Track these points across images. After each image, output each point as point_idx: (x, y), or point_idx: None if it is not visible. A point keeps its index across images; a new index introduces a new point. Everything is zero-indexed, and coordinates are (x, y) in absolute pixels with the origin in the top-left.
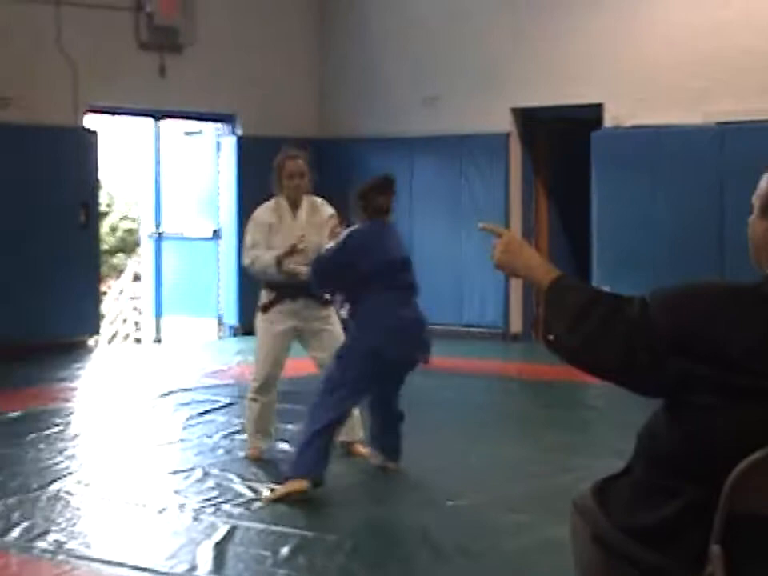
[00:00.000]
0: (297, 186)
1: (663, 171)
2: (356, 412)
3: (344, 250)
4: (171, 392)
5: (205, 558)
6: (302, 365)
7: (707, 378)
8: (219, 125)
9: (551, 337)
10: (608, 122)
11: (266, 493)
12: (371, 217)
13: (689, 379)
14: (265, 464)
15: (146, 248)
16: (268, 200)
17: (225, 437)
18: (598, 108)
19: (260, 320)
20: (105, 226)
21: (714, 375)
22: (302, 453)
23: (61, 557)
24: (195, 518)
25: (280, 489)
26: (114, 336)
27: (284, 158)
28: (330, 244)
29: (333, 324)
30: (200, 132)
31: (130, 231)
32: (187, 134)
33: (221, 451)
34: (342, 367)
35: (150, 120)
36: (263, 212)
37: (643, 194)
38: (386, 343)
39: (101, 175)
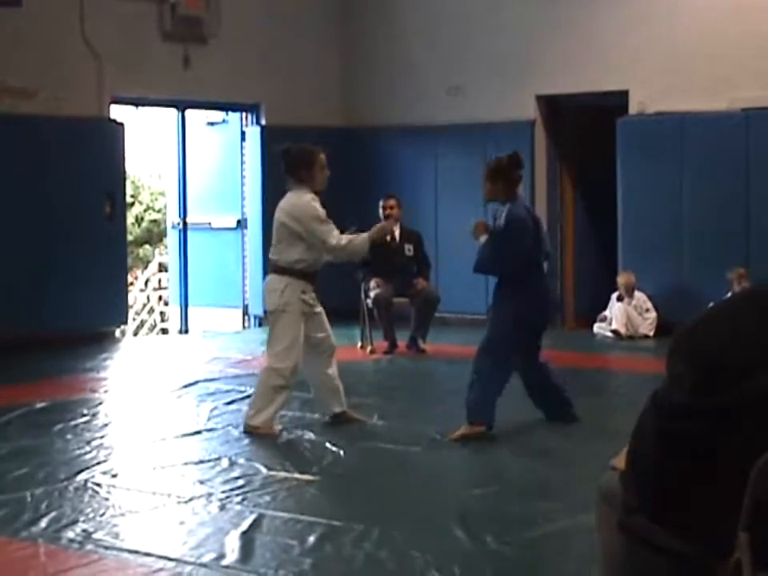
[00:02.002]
0: (328, 177)
1: (689, 158)
2: (340, 383)
3: (524, 234)
4: (197, 382)
5: (232, 547)
6: None
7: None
8: (244, 114)
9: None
10: (633, 108)
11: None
12: (513, 189)
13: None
14: (291, 452)
15: (172, 239)
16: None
17: None
18: (623, 95)
19: (293, 306)
20: (130, 217)
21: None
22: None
23: (89, 547)
24: (222, 508)
25: (462, 430)
26: (140, 326)
27: (316, 152)
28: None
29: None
30: (224, 122)
31: (156, 222)
32: (209, 124)
33: (246, 441)
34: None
35: (174, 110)
36: (316, 203)
37: (669, 181)
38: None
39: (126, 166)
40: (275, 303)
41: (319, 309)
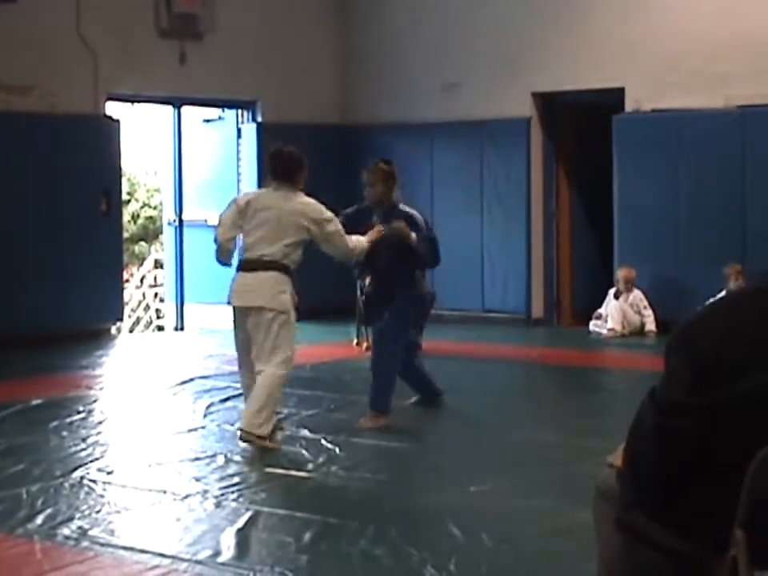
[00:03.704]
0: None
1: (685, 155)
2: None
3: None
4: (193, 379)
5: (228, 544)
6: (321, 352)
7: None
8: (240, 111)
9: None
10: (629, 106)
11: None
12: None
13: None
14: (287, 449)
15: (168, 235)
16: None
17: None
18: (619, 92)
19: (291, 304)
20: (126, 214)
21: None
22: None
23: (84, 544)
24: (218, 505)
25: (369, 421)
26: (135, 323)
27: (305, 155)
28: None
29: None
30: (220, 119)
31: (152, 219)
32: (205, 121)
33: None
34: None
35: (171, 107)
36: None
37: (665, 178)
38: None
39: (122, 163)
40: (283, 305)
41: None
